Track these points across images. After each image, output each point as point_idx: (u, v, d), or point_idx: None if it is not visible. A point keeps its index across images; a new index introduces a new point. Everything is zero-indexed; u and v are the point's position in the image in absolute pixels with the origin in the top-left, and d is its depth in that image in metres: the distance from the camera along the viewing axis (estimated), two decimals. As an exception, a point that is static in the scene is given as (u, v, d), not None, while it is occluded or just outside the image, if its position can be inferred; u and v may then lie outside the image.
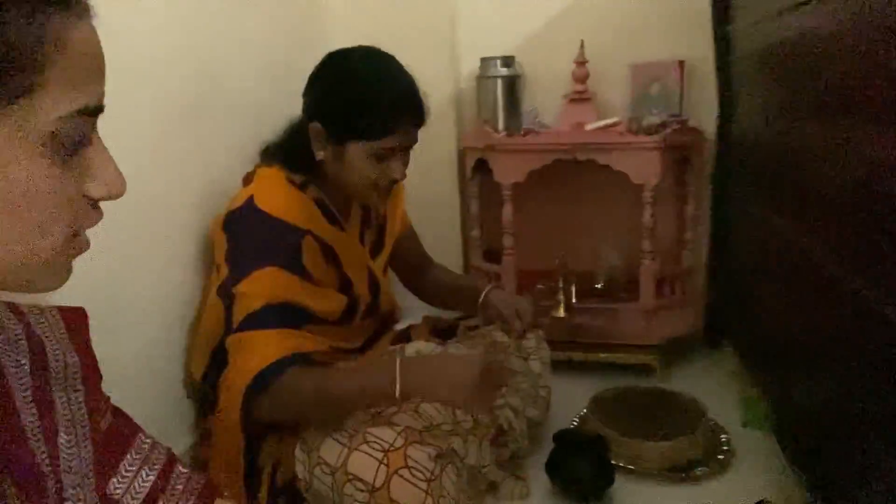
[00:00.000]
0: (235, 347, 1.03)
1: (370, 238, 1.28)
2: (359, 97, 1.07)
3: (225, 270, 1.07)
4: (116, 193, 0.45)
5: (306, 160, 1.11)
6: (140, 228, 1.04)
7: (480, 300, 1.33)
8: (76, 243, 0.45)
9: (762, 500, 1.10)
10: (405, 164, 1.14)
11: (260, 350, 1.01)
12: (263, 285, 1.04)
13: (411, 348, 1.22)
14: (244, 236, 1.07)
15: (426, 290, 1.44)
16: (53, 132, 0.40)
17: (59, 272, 0.45)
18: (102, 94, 0.43)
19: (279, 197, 1.09)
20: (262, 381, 0.99)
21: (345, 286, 1.17)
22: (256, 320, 1.02)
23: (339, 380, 1.05)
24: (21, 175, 0.40)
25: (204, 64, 1.22)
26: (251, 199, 1.08)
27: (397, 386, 0.99)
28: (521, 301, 1.34)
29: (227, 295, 1.05)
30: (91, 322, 0.62)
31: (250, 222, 1.07)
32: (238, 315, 1.04)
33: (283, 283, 1.05)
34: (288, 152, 1.14)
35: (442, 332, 1.37)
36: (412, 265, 1.42)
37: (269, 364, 0.99)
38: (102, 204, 0.46)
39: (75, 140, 0.42)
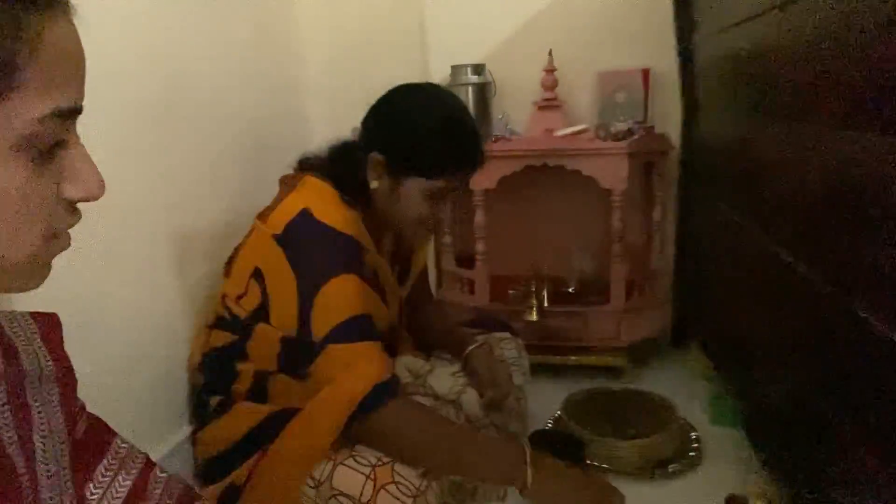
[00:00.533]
0: (330, 362, 1.00)
1: (397, 269, 1.27)
2: (429, 135, 1.06)
3: (291, 289, 1.02)
4: (95, 195, 0.44)
5: (354, 185, 1.09)
6: (114, 231, 1.03)
7: (463, 359, 1.27)
8: (55, 244, 0.44)
9: (732, 495, 1.13)
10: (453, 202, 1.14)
11: (363, 369, 0.98)
12: (345, 295, 1.02)
13: (401, 363, 1.23)
14: (311, 246, 1.04)
15: (415, 326, 1.38)
16: (30, 134, 0.39)
17: (37, 273, 0.44)
18: (81, 96, 0.43)
19: (336, 211, 1.07)
20: (367, 406, 0.96)
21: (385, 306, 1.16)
22: (347, 332, 1.00)
23: (454, 437, 1.01)
24: None
25: (174, 66, 1.21)
26: (307, 211, 1.05)
27: (528, 482, 0.93)
28: (500, 369, 1.29)
29: (302, 304, 1.01)
30: (65, 327, 0.62)
31: (313, 235, 1.04)
32: (322, 325, 1.00)
33: (361, 293, 1.03)
34: (334, 172, 1.11)
35: (426, 346, 1.37)
36: (417, 295, 1.36)
37: (375, 386, 0.96)
38: (81, 205, 0.45)
39: (52, 142, 0.41)
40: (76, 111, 0.42)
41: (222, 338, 1.13)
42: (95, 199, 0.45)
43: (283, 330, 1.05)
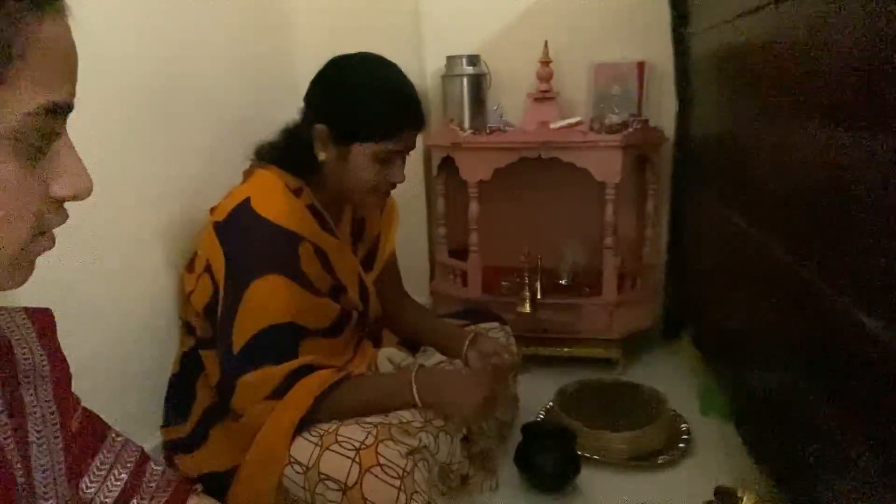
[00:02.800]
0: (248, 392, 1.03)
1: (362, 252, 1.27)
2: (368, 99, 1.08)
3: (220, 275, 1.05)
4: (83, 194, 0.44)
5: (304, 163, 1.11)
6: (103, 224, 1.02)
7: (465, 347, 1.30)
8: (40, 242, 0.44)
9: (721, 486, 1.15)
10: (403, 168, 1.15)
11: (293, 404, 1.01)
12: (269, 300, 1.03)
13: (383, 355, 1.24)
14: (242, 242, 1.06)
15: (392, 322, 1.40)
16: (20, 128, 0.39)
17: (20, 271, 0.44)
18: (73, 93, 0.42)
19: (276, 202, 1.08)
20: (303, 426, 1.01)
21: (337, 292, 1.16)
22: (261, 350, 1.03)
23: (366, 394, 1.07)
24: None
25: (167, 58, 1.20)
26: (247, 201, 1.07)
27: (416, 399, 1.06)
28: (504, 346, 1.33)
29: (227, 305, 1.04)
30: (58, 322, 0.61)
31: (247, 227, 1.06)
32: (241, 334, 1.03)
33: (283, 297, 1.04)
34: (285, 155, 1.13)
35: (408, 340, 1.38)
36: (384, 294, 1.36)
37: (304, 414, 1.01)
38: (69, 203, 0.45)
39: (42, 138, 0.41)
40: (67, 108, 0.42)
41: (187, 341, 1.17)
42: (83, 198, 0.44)
43: None
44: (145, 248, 1.16)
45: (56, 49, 0.40)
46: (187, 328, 1.18)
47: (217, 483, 1.04)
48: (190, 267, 1.15)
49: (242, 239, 1.06)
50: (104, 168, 1.00)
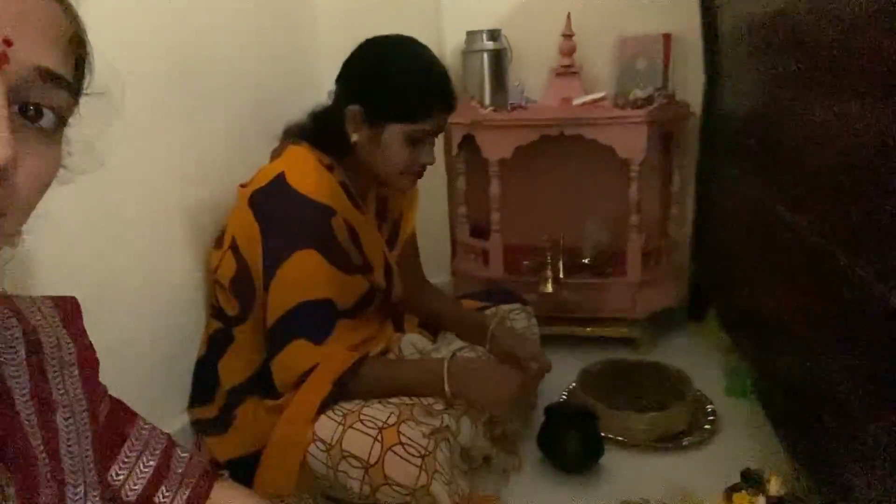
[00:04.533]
0: (283, 369, 1.06)
1: (386, 231, 1.28)
2: (401, 80, 1.09)
3: (258, 251, 1.07)
4: None
5: (335, 143, 1.13)
6: (127, 205, 1.03)
7: (488, 340, 1.29)
8: None
9: (747, 469, 1.13)
10: (433, 150, 1.16)
11: (313, 387, 1.03)
12: (300, 274, 1.05)
13: (407, 340, 1.24)
14: (277, 216, 1.08)
15: (419, 312, 1.40)
16: None
17: None
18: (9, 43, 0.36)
19: (311, 176, 1.10)
20: (327, 406, 1.03)
21: (365, 269, 1.18)
22: (296, 325, 1.05)
23: (395, 378, 1.09)
24: None
25: (186, 36, 1.19)
26: (282, 176, 1.09)
27: (447, 389, 1.07)
28: (530, 344, 1.32)
29: (265, 277, 1.06)
30: (84, 305, 0.62)
31: (283, 201, 1.08)
32: (276, 307, 1.05)
33: (319, 272, 1.06)
34: (317, 134, 1.15)
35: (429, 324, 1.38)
36: (405, 275, 1.34)
37: (325, 397, 1.02)
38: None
39: None
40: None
41: (213, 323, 1.18)
42: None
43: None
44: (171, 231, 1.16)
45: None
46: (213, 310, 1.19)
47: (245, 467, 1.05)
48: (218, 243, 1.17)
49: (278, 213, 1.08)
50: (128, 150, 1.01)
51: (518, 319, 1.40)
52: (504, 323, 1.33)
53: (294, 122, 1.20)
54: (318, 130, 1.15)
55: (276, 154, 1.18)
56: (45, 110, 0.40)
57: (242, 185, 1.14)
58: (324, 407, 1.02)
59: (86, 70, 0.45)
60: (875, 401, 0.77)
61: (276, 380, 1.07)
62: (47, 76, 0.39)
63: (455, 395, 1.07)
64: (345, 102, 1.11)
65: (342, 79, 1.15)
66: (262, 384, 1.11)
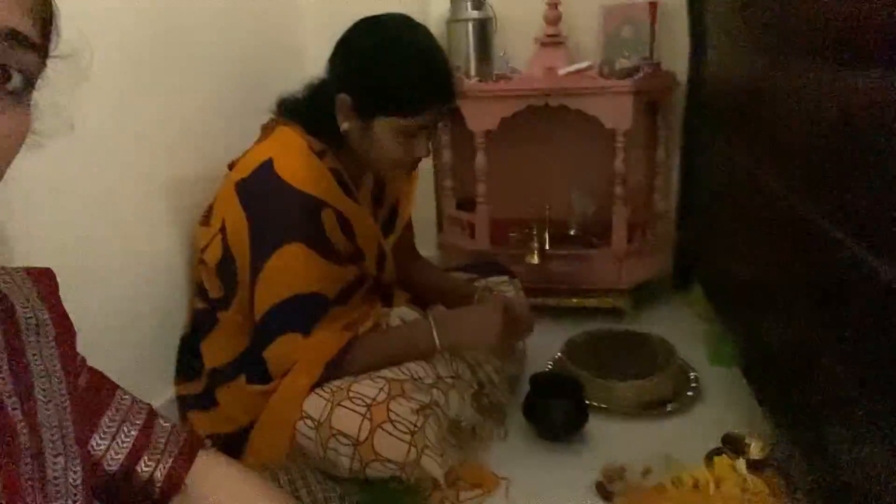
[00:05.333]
0: (274, 361, 1.04)
1: (382, 216, 1.25)
2: (393, 72, 1.02)
3: (246, 242, 1.04)
4: None
5: (326, 129, 1.07)
6: (109, 177, 1.01)
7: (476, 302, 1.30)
8: None
9: (728, 433, 1.15)
10: (429, 142, 1.11)
11: (296, 377, 1.02)
12: (288, 268, 1.02)
13: (395, 314, 1.23)
14: (265, 207, 1.04)
15: (410, 285, 1.40)
16: None
17: None
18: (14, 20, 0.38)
19: (300, 165, 1.05)
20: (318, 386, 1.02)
21: (356, 258, 1.15)
22: (284, 317, 1.03)
23: (386, 347, 1.10)
24: None
25: (165, 5, 1.16)
26: (270, 164, 1.04)
27: (436, 341, 1.08)
28: (519, 303, 1.32)
29: (252, 269, 1.04)
30: (60, 276, 0.61)
31: (270, 192, 1.03)
32: (263, 301, 1.03)
33: (306, 266, 1.03)
34: (309, 115, 1.09)
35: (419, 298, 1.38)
36: (400, 253, 1.35)
37: (315, 381, 1.02)
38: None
39: None
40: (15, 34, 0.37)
41: (197, 302, 1.17)
42: None
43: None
44: (152, 201, 1.15)
45: None
46: (197, 288, 1.17)
47: (229, 443, 1.05)
48: (205, 221, 1.13)
49: (265, 204, 1.04)
50: (106, 118, 0.99)
51: (506, 291, 1.41)
52: (493, 292, 1.33)
53: (289, 94, 1.14)
54: (310, 112, 1.10)
55: (266, 130, 1.13)
56: (12, 72, 0.40)
57: (231, 165, 1.10)
58: (314, 387, 1.02)
59: (53, 31, 0.44)
60: (854, 366, 0.78)
61: (271, 372, 1.06)
62: (14, 37, 0.39)
63: (446, 346, 1.08)
64: (335, 89, 1.06)
65: (334, 62, 1.08)
66: (246, 369, 1.10)
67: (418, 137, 1.07)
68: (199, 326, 1.16)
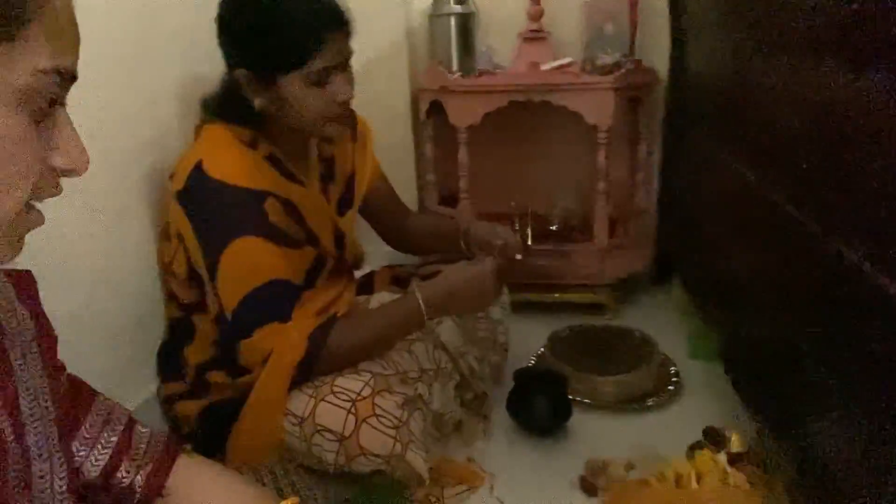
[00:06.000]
0: (252, 352, 1.01)
1: (336, 193, 1.21)
2: (270, 24, 0.97)
3: (197, 247, 1.01)
4: (80, 169, 0.45)
5: (248, 112, 1.03)
6: (85, 177, 0.98)
7: (462, 238, 1.28)
8: (33, 216, 0.44)
9: (709, 427, 1.17)
10: (349, 81, 1.04)
11: (282, 354, 1.00)
12: (242, 263, 0.99)
13: (375, 300, 1.22)
14: (204, 211, 1.00)
15: (407, 242, 1.39)
16: (32, 85, 0.40)
17: (12, 243, 0.44)
18: (76, 63, 0.43)
19: (230, 160, 1.01)
20: (303, 371, 1.00)
21: (311, 242, 1.12)
22: (254, 308, 0.99)
23: (372, 326, 1.07)
24: None
25: (153, 6, 1.14)
26: (199, 166, 0.99)
27: (423, 311, 1.06)
28: (503, 230, 1.30)
29: (209, 275, 1.01)
30: (38, 280, 0.60)
31: (205, 194, 0.99)
32: (230, 298, 0.99)
33: (260, 256, 1.00)
34: (227, 107, 1.05)
35: (402, 280, 1.36)
36: (388, 216, 1.34)
37: (302, 357, 0.99)
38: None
39: (48, 99, 0.41)
40: (72, 76, 0.43)
41: (172, 310, 1.14)
42: (79, 173, 0.45)
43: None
44: (128, 198, 1.12)
45: (63, 16, 0.42)
46: (168, 299, 1.14)
47: (222, 414, 1.04)
48: (165, 235, 1.09)
49: (203, 207, 1.00)
50: (89, 110, 0.96)
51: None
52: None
53: (209, 92, 1.08)
54: (227, 104, 1.05)
55: (196, 133, 1.09)
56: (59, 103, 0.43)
57: (171, 175, 1.06)
58: (303, 373, 0.99)
59: None
60: (833, 359, 0.79)
61: (243, 362, 1.03)
62: (74, 80, 0.43)
63: (433, 315, 1.08)
64: (232, 67, 1.02)
65: (221, 43, 1.04)
66: (228, 362, 1.07)
67: (332, 81, 1.01)
68: (178, 336, 1.13)
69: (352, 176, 1.24)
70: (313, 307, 1.08)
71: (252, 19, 0.98)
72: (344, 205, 1.22)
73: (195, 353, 1.12)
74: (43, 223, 0.45)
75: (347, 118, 1.09)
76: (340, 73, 1.02)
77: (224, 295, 1.00)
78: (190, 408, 1.10)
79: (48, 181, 0.44)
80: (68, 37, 0.43)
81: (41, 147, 0.42)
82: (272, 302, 1.01)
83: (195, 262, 1.03)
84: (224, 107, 1.05)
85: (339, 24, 1.01)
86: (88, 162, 0.45)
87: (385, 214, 1.32)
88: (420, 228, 1.39)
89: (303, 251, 1.09)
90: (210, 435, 1.05)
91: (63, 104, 0.44)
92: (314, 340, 1.00)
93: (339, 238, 1.18)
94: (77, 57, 0.44)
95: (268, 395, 1.00)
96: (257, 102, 1.02)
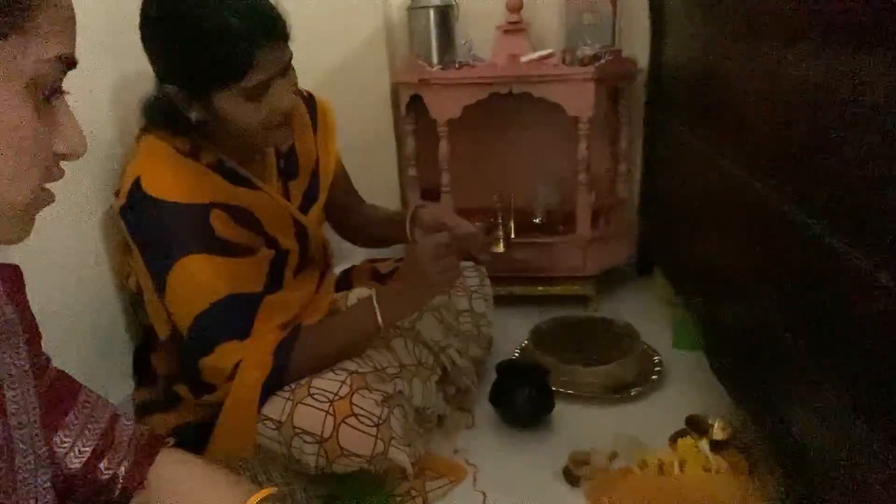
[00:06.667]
0: (213, 371, 0.98)
1: (299, 189, 1.15)
2: (196, 39, 0.88)
3: (141, 266, 0.98)
4: (78, 153, 0.46)
5: (186, 123, 0.96)
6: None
7: (408, 223, 1.24)
8: (45, 195, 0.46)
9: (692, 415, 1.17)
10: (291, 85, 0.97)
11: (247, 373, 0.97)
12: (190, 282, 0.95)
13: (353, 296, 1.20)
14: (144, 231, 0.96)
15: (356, 232, 1.35)
16: (39, 74, 0.41)
17: (26, 224, 0.45)
18: (75, 50, 0.45)
19: (168, 175, 0.95)
20: (271, 389, 0.97)
21: (269, 245, 1.08)
22: (215, 327, 0.96)
23: (334, 337, 1.03)
24: (4, 116, 0.40)
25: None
26: (137, 183, 0.94)
27: (378, 318, 1.01)
28: (452, 215, 1.27)
29: (158, 296, 0.98)
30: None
31: (145, 214, 0.94)
32: (183, 319, 0.96)
33: (208, 274, 0.95)
34: (163, 117, 0.98)
35: (383, 276, 1.35)
36: (340, 206, 1.29)
37: (269, 372, 0.97)
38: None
39: (52, 87, 0.43)
40: (72, 62, 0.44)
41: (142, 315, 1.10)
42: (78, 156, 0.46)
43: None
44: (93, 196, 1.09)
45: (64, 3, 0.44)
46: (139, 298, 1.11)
47: (196, 434, 1.02)
48: (126, 249, 1.04)
49: (145, 228, 0.95)
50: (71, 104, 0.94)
51: (471, 278, 1.40)
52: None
53: (147, 96, 1.00)
54: (163, 113, 0.97)
55: (136, 142, 1.03)
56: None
57: (116, 192, 1.01)
58: (271, 389, 0.97)
59: None
60: (814, 347, 0.80)
61: (207, 380, 1.00)
62: (74, 66, 0.44)
63: (389, 321, 1.02)
64: (160, 80, 0.95)
65: (146, 52, 0.95)
66: (188, 383, 1.05)
67: (272, 91, 0.94)
68: (146, 341, 1.12)
69: (316, 166, 1.18)
70: (284, 316, 1.04)
71: (177, 33, 0.90)
72: (309, 199, 1.17)
73: (160, 363, 1.10)
74: (53, 201, 0.47)
75: (289, 125, 1.02)
76: (280, 80, 0.95)
77: (176, 316, 0.97)
78: (162, 425, 1.07)
79: (53, 165, 0.46)
80: (69, 24, 0.44)
81: (47, 133, 0.44)
82: (228, 319, 0.97)
83: (142, 282, 1.00)
84: (160, 117, 0.98)
85: (275, 34, 0.92)
86: (86, 145, 0.46)
87: (335, 202, 1.25)
88: (371, 217, 1.33)
89: (258, 257, 1.04)
90: None
91: (62, 91, 0.45)
92: (278, 357, 0.97)
93: (302, 234, 1.14)
94: (75, 44, 0.45)
95: (238, 416, 0.97)
96: (193, 115, 0.95)
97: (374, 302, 1.02)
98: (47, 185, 0.46)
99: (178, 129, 0.98)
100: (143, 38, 0.94)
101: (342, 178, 1.31)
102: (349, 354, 1.03)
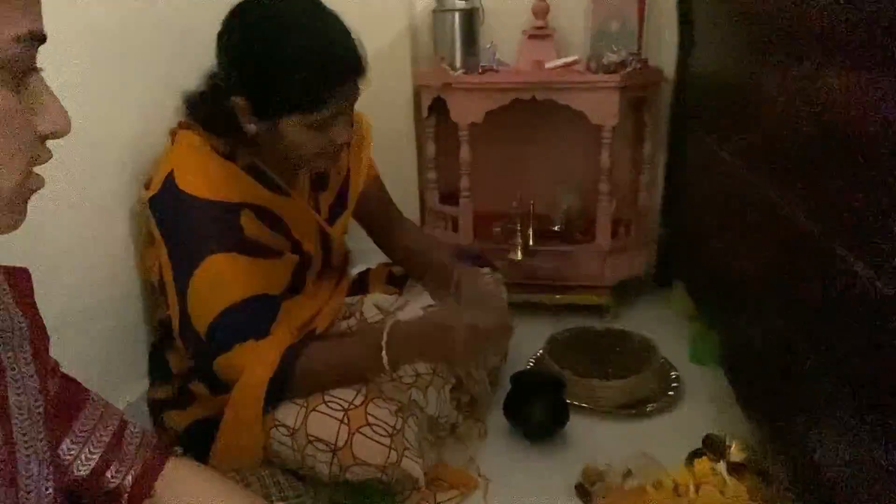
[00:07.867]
0: (229, 369, 0.97)
1: (327, 201, 1.16)
2: (284, 67, 0.90)
3: (168, 265, 0.97)
4: (63, 130, 0.44)
5: (232, 126, 0.96)
6: (78, 168, 0.96)
7: (453, 286, 1.15)
8: (32, 180, 0.44)
9: (709, 435, 1.15)
10: (351, 122, 1.00)
11: (253, 370, 0.95)
12: (215, 281, 0.94)
13: (369, 301, 1.20)
14: (174, 226, 0.96)
15: (395, 255, 1.33)
16: (7, 56, 0.39)
17: (16, 211, 0.44)
18: (42, 21, 0.43)
19: (202, 173, 0.96)
20: (275, 389, 0.96)
21: (294, 250, 1.08)
22: (226, 329, 0.95)
23: (342, 353, 1.01)
24: None
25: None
26: (171, 177, 0.95)
27: (384, 358, 0.96)
28: (494, 286, 1.25)
29: (178, 291, 0.97)
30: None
31: (176, 208, 0.95)
32: (200, 320, 0.96)
33: (234, 273, 0.95)
34: (211, 117, 0.98)
35: (398, 279, 1.34)
36: (377, 219, 1.28)
37: (273, 373, 0.95)
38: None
39: (26, 66, 0.41)
40: (43, 37, 0.42)
41: (161, 310, 1.09)
42: (63, 134, 0.45)
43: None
44: (114, 195, 1.10)
45: None
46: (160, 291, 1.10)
47: (208, 429, 1.01)
48: (150, 240, 1.04)
49: (175, 223, 0.96)
50: (79, 106, 0.94)
51: (486, 274, 1.38)
52: (472, 275, 1.21)
53: (192, 91, 1.00)
54: (211, 112, 0.97)
55: (172, 136, 1.04)
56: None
57: (147, 183, 1.02)
58: (276, 388, 0.95)
59: None
60: (836, 367, 0.78)
61: (221, 378, 0.99)
62: (42, 42, 0.42)
63: (395, 363, 0.98)
64: (228, 90, 0.94)
65: (220, 58, 0.96)
66: (206, 380, 1.05)
67: (335, 125, 0.96)
68: (163, 337, 1.11)
69: (346, 179, 1.19)
70: (298, 318, 1.04)
71: (262, 52, 0.90)
72: (336, 211, 1.17)
73: (176, 360, 1.10)
74: (43, 185, 0.45)
75: (339, 155, 1.04)
76: (343, 118, 0.97)
77: (195, 313, 0.96)
78: (177, 421, 1.08)
79: (38, 147, 0.44)
80: (33, 2, 0.42)
81: (26, 115, 0.42)
82: (250, 319, 0.96)
83: (165, 275, 1.00)
84: (207, 115, 0.98)
85: (357, 74, 0.94)
86: (70, 122, 0.45)
87: (371, 214, 1.25)
88: (409, 250, 1.30)
89: (284, 259, 1.04)
90: (196, 453, 1.03)
91: (37, 69, 0.43)
92: (287, 357, 0.96)
93: (326, 243, 1.15)
94: (42, 19, 0.43)
95: (243, 413, 0.96)
96: (249, 128, 0.96)
97: (384, 339, 0.96)
98: (35, 170, 0.44)
99: (224, 133, 0.98)
100: (222, 48, 0.95)
101: (378, 190, 1.28)
102: (349, 384, 0.99)
